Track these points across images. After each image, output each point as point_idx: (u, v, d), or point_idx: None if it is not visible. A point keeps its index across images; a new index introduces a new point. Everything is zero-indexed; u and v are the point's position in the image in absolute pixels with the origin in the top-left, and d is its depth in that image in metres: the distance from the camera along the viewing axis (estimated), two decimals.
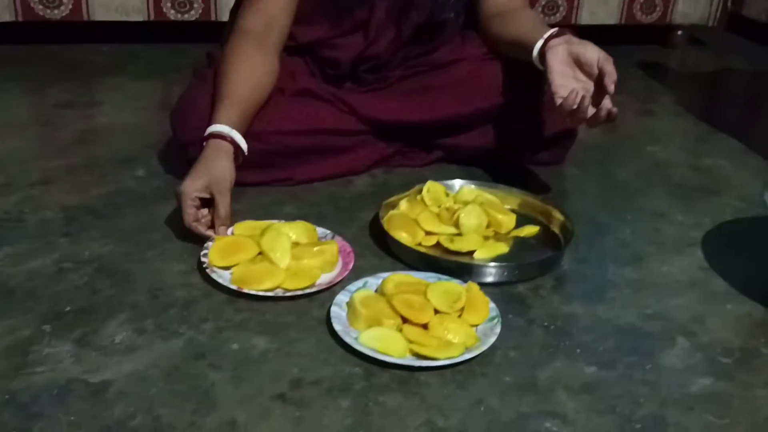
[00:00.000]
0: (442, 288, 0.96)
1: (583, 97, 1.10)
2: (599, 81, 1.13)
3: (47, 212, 1.16)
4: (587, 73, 1.15)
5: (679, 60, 2.31)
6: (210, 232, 1.06)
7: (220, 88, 1.15)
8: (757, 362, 0.90)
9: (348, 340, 0.86)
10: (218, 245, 1.02)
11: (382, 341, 0.86)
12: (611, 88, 1.12)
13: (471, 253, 1.09)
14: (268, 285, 0.95)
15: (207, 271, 0.98)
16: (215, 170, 1.07)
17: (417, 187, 1.21)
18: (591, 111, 1.12)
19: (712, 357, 0.90)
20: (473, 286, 0.97)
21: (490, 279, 1.03)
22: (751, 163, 1.50)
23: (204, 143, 1.11)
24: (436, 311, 0.93)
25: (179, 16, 2.01)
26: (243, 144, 1.13)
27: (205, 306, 0.94)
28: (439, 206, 1.17)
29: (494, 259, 1.08)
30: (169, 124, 1.26)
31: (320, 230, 1.10)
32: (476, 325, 0.92)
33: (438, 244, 1.11)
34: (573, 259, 1.10)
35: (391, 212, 1.13)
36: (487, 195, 1.21)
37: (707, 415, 0.81)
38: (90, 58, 1.99)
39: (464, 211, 1.13)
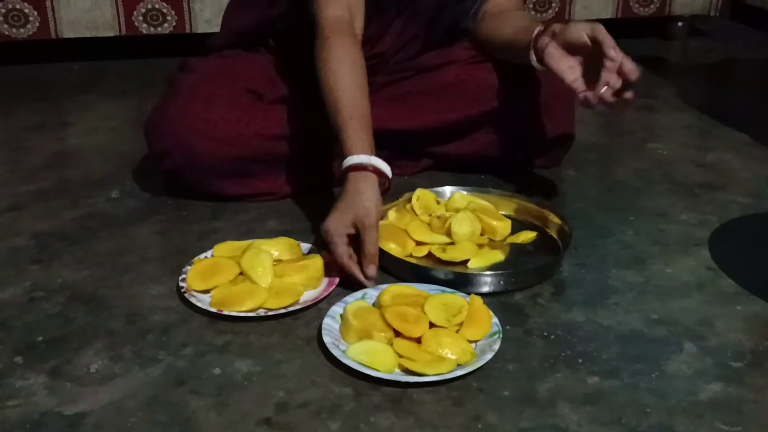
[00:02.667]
0: (441, 301, 0.97)
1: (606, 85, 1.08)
2: (600, 53, 1.10)
3: (17, 239, 1.16)
4: (586, 54, 1.13)
5: (679, 52, 2.33)
6: (361, 275, 1.02)
7: (337, 106, 1.10)
8: None
9: (335, 353, 0.87)
10: (197, 268, 1.03)
11: (370, 355, 0.86)
12: (612, 53, 1.09)
13: (465, 262, 1.09)
14: (249, 305, 0.96)
15: (186, 295, 0.98)
16: (360, 203, 1.02)
17: (406, 196, 1.22)
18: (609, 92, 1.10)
19: (722, 361, 0.91)
20: (476, 300, 0.97)
21: (486, 289, 1.03)
22: (758, 156, 1.51)
23: (342, 177, 1.06)
24: (432, 325, 0.93)
25: (152, 29, 2.03)
26: (386, 168, 1.08)
27: (185, 330, 0.95)
28: (430, 215, 1.18)
29: (490, 268, 1.08)
30: (144, 134, 1.27)
31: (304, 245, 1.11)
32: (476, 341, 0.92)
33: (430, 255, 1.12)
34: (572, 264, 1.11)
35: (380, 222, 1.14)
36: (480, 201, 1.22)
37: (718, 423, 0.81)
38: (60, 77, 2.01)
39: (456, 219, 1.14)
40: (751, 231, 1.22)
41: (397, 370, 0.86)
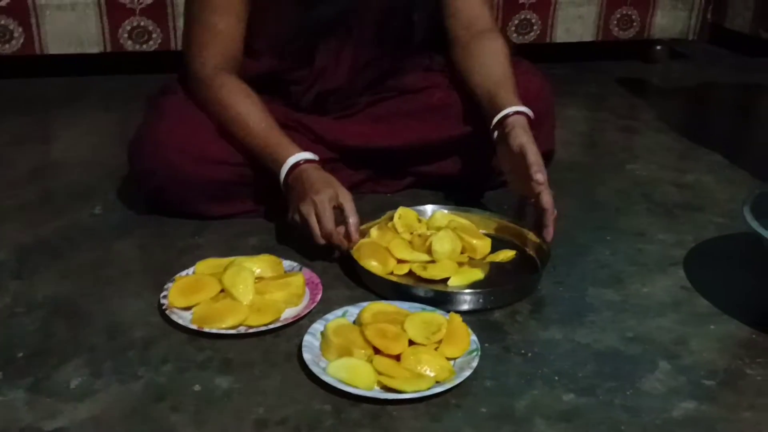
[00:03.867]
0: (421, 318, 0.98)
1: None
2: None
3: None
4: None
5: (660, 75, 2.37)
6: (345, 242, 1.12)
7: (248, 129, 1.20)
8: (742, 383, 0.93)
9: (315, 370, 0.88)
10: (178, 285, 1.04)
11: (350, 372, 0.88)
12: (536, 177, 1.14)
13: (445, 280, 1.11)
14: (230, 322, 0.97)
15: (167, 312, 0.99)
16: (330, 183, 1.13)
17: (388, 214, 1.23)
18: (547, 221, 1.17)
19: (696, 380, 0.93)
20: (455, 318, 0.98)
21: (465, 307, 1.05)
22: (735, 178, 1.54)
23: (291, 173, 1.15)
24: (412, 342, 0.94)
25: (137, 46, 2.05)
26: (317, 157, 1.19)
27: (166, 346, 0.96)
28: (411, 233, 1.20)
29: (469, 286, 1.10)
30: (127, 155, 1.28)
31: (286, 263, 1.12)
32: (454, 358, 0.94)
33: (411, 273, 1.13)
34: (551, 282, 1.13)
35: (361, 241, 1.15)
36: (461, 220, 1.24)
37: None
38: (44, 92, 2.02)
39: (437, 238, 1.15)
40: (725, 251, 1.25)
41: (377, 387, 0.88)
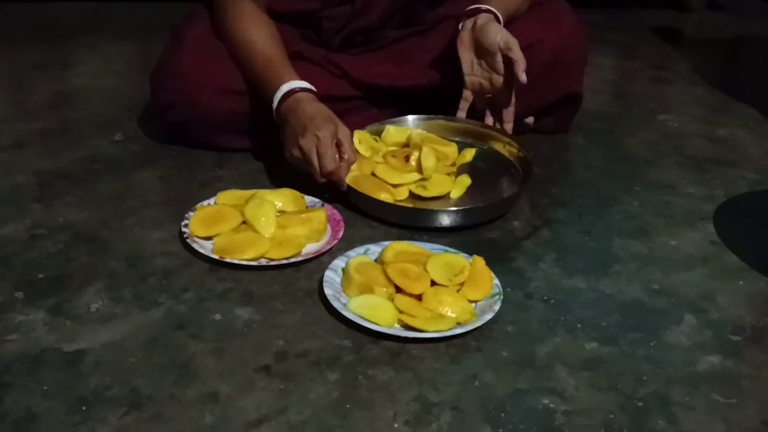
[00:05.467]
0: (444, 260, 0.97)
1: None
2: (509, 70, 1.19)
3: (19, 177, 1.16)
4: (492, 62, 1.21)
5: (695, 24, 2.31)
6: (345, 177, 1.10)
7: (253, 52, 1.17)
8: None
9: (336, 305, 0.88)
10: (200, 214, 1.03)
11: (371, 309, 0.87)
12: (522, 77, 1.17)
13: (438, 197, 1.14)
14: (251, 254, 0.96)
15: (188, 241, 0.99)
16: (332, 115, 1.10)
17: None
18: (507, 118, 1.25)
19: (722, 335, 0.92)
20: (478, 261, 0.98)
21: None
22: None
23: (285, 101, 1.11)
24: (434, 283, 0.94)
25: None
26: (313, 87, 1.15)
27: (186, 275, 0.95)
28: (378, 153, 1.20)
29: (467, 194, 1.16)
30: (149, 86, 1.26)
31: (309, 198, 1.11)
32: (476, 301, 0.93)
33: (411, 194, 1.14)
34: (576, 231, 1.11)
35: (354, 175, 1.13)
36: (419, 132, 1.27)
37: (714, 395, 0.82)
38: (65, 16, 1.99)
39: (423, 155, 1.17)
40: (758, 207, 1.22)
41: (397, 326, 0.87)
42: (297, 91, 1.12)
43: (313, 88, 1.14)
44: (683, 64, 1.91)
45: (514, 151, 1.25)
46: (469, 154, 1.25)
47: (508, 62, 1.20)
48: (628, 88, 1.79)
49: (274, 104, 1.12)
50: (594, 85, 1.63)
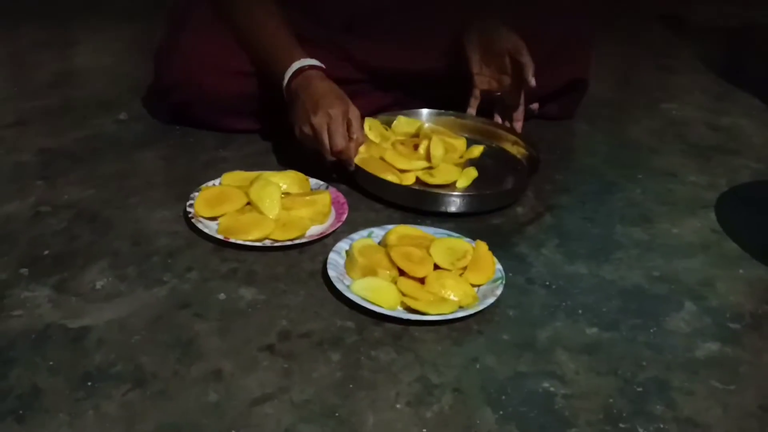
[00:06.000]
0: (447, 244, 0.98)
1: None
2: (518, 72, 1.20)
3: (23, 154, 1.17)
4: (500, 64, 1.23)
5: (701, 12, 2.30)
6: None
7: (258, 23, 1.17)
8: None
9: (340, 287, 0.88)
10: (204, 195, 1.04)
11: (374, 291, 0.88)
12: (532, 81, 1.19)
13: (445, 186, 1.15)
14: (256, 235, 0.97)
15: (192, 220, 0.99)
16: (343, 94, 1.10)
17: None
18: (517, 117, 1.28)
19: (721, 322, 0.93)
20: (481, 246, 0.98)
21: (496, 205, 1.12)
22: None
23: (295, 78, 1.11)
24: (437, 267, 0.95)
25: None
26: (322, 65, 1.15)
27: (190, 255, 0.96)
28: (388, 140, 1.21)
29: (473, 186, 1.16)
30: (153, 66, 1.26)
31: (313, 181, 1.11)
32: (478, 285, 0.94)
33: (418, 180, 1.15)
34: (579, 217, 1.12)
35: (362, 158, 1.14)
36: (429, 125, 1.29)
37: (713, 381, 0.83)
38: None
39: (433, 144, 1.18)
40: (759, 196, 1.23)
41: (400, 308, 0.88)
42: (307, 69, 1.11)
43: (322, 65, 1.14)
44: (688, 52, 1.91)
45: (523, 150, 1.25)
46: (477, 150, 1.26)
47: (517, 64, 1.20)
48: (632, 76, 1.80)
49: (285, 81, 1.12)
50: (599, 72, 1.63)
